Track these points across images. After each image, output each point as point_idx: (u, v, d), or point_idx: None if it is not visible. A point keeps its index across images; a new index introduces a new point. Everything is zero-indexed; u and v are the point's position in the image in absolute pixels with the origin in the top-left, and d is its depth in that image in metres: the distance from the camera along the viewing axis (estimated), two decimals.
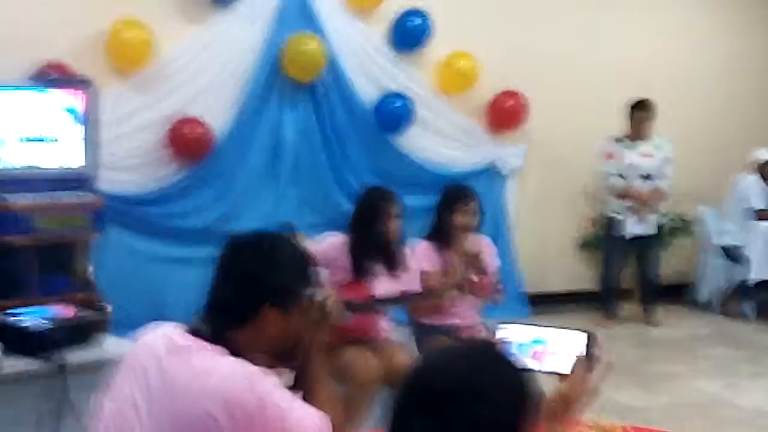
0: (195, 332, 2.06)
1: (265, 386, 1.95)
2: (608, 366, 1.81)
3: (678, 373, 6.17)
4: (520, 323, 1.93)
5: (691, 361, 6.53)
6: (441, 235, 4.72)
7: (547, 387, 1.77)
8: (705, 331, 7.46)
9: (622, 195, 7.28)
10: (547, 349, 1.85)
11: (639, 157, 7.28)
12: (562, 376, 1.78)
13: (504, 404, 1.43)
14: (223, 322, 2.06)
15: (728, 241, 7.94)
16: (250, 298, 2.06)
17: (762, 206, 7.74)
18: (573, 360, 1.80)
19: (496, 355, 1.55)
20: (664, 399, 5.60)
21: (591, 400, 1.78)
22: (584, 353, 1.81)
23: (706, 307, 8.06)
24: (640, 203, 7.26)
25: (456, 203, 4.72)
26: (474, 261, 4.61)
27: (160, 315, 6.25)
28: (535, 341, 1.87)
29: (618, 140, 7.31)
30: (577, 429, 2.00)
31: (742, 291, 7.82)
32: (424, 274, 4.58)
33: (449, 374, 1.44)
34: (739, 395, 5.71)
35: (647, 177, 7.29)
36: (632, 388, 5.74)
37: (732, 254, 7.91)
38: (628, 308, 7.79)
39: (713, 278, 8.08)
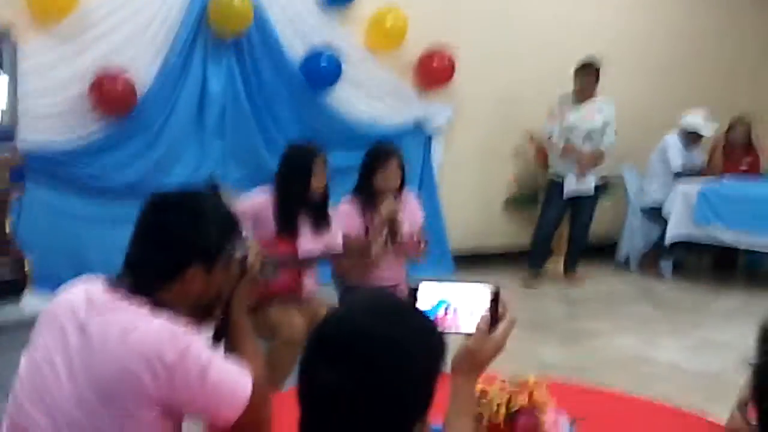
0: (116, 288, 2.04)
1: (185, 340, 1.95)
2: (513, 321, 1.82)
3: (599, 330, 6.31)
4: (430, 280, 1.92)
5: (611, 318, 6.68)
6: (364, 194, 4.72)
7: (454, 344, 1.78)
8: (625, 289, 7.64)
9: (564, 154, 7.36)
10: (454, 306, 1.85)
11: (581, 117, 7.36)
12: (467, 334, 1.79)
13: (407, 353, 1.43)
14: (145, 279, 2.04)
15: (649, 201, 8.10)
16: (176, 258, 2.06)
17: (680, 167, 7.90)
18: (479, 316, 1.81)
19: (399, 305, 1.56)
20: (585, 355, 5.72)
21: (496, 356, 1.80)
22: (489, 308, 1.82)
23: (627, 266, 8.24)
24: (581, 161, 7.36)
25: (377, 164, 4.71)
26: (391, 223, 4.62)
27: (83, 272, 6.18)
28: (441, 302, 1.87)
29: (563, 100, 7.38)
30: (491, 383, 2.02)
31: (661, 250, 8.00)
32: (346, 236, 4.57)
33: (351, 323, 1.46)
34: (656, 351, 5.86)
35: (588, 137, 7.38)
36: (555, 345, 5.86)
37: (652, 214, 8.08)
38: (553, 267, 7.91)
39: (634, 237, 8.25)
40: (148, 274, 2.05)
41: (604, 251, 8.41)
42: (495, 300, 1.83)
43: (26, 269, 4.65)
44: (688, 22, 8.86)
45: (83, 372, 1.94)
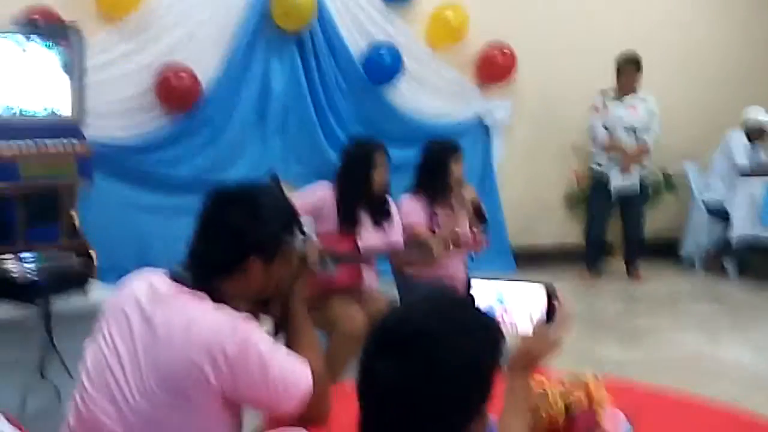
0: (178, 280, 2.08)
1: (247, 332, 1.99)
2: (568, 318, 1.82)
3: (659, 328, 6.24)
4: (483, 278, 1.93)
5: (672, 316, 6.60)
6: (433, 189, 4.72)
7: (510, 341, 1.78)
8: (687, 287, 7.53)
9: (608, 148, 7.30)
10: (508, 304, 1.86)
11: (624, 110, 7.29)
12: (523, 331, 1.80)
13: (465, 349, 1.45)
14: (207, 272, 2.09)
15: (713, 198, 7.98)
16: (236, 250, 2.10)
17: (746, 164, 7.77)
18: (534, 314, 1.82)
19: (458, 301, 1.58)
20: (644, 353, 5.66)
21: (554, 353, 1.81)
22: (544, 306, 1.83)
23: (690, 264, 8.12)
24: (625, 156, 7.28)
25: (452, 156, 4.73)
26: (477, 210, 4.65)
27: (146, 263, 6.27)
28: (498, 298, 1.88)
29: (604, 93, 7.32)
30: (549, 378, 2.02)
31: (725, 249, 7.88)
32: (411, 228, 4.59)
33: (410, 319, 1.48)
34: (719, 349, 5.78)
35: (632, 130, 7.30)
36: (613, 343, 5.80)
37: (716, 212, 7.96)
38: (613, 264, 7.84)
39: (698, 235, 8.13)
40: (209, 267, 2.09)
41: (668, 249, 8.29)
42: (550, 298, 1.83)
43: (94, 259, 4.73)
44: (751, 16, 8.69)
45: (148, 362, 1.98)
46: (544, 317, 1.82)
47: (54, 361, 3.24)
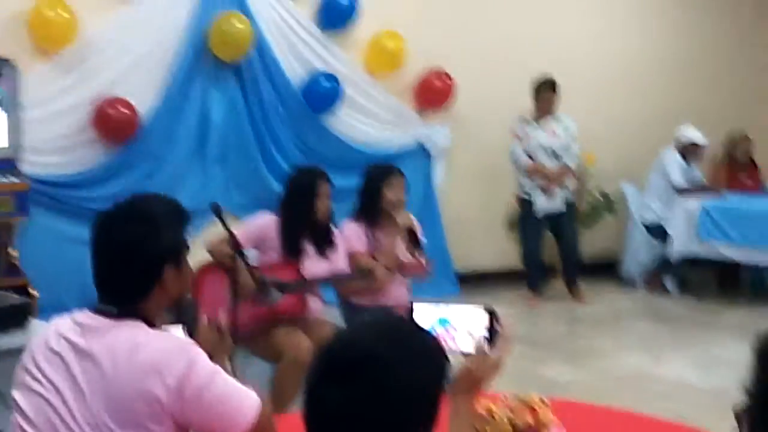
0: (104, 312, 2.06)
1: (195, 355, 2.00)
2: (509, 339, 1.84)
3: (603, 348, 6.30)
4: (425, 302, 1.95)
5: (615, 336, 6.68)
6: (370, 214, 4.73)
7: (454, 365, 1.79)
8: (630, 306, 7.63)
9: (530, 172, 7.37)
10: (450, 329, 1.88)
11: (543, 134, 7.36)
12: (465, 353, 1.81)
13: (412, 373, 1.44)
14: (127, 296, 2.07)
15: (650, 217, 8.11)
16: (150, 266, 2.08)
17: (681, 183, 7.91)
18: (475, 337, 1.84)
19: (404, 326, 1.58)
20: (589, 373, 5.71)
21: (495, 375, 1.82)
22: (487, 329, 1.85)
23: (631, 283, 8.22)
24: (548, 181, 7.35)
25: (385, 180, 4.74)
26: (412, 235, 4.65)
27: (87, 299, 6.20)
28: (440, 321, 1.90)
29: (524, 120, 7.40)
30: (494, 401, 2.03)
31: (665, 267, 7.99)
32: (354, 255, 4.60)
33: (356, 344, 1.47)
34: (661, 367, 5.85)
35: (553, 153, 7.38)
36: (558, 364, 5.85)
37: (654, 231, 8.08)
38: (555, 285, 7.91)
39: (638, 254, 8.24)
40: (128, 291, 2.07)
41: (608, 269, 8.39)
42: (491, 320, 1.85)
43: (34, 295, 4.68)
44: (680, 38, 8.88)
45: (96, 396, 1.95)
46: (486, 340, 1.83)
47: None
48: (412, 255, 4.63)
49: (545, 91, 7.32)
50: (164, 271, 2.09)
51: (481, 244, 7.97)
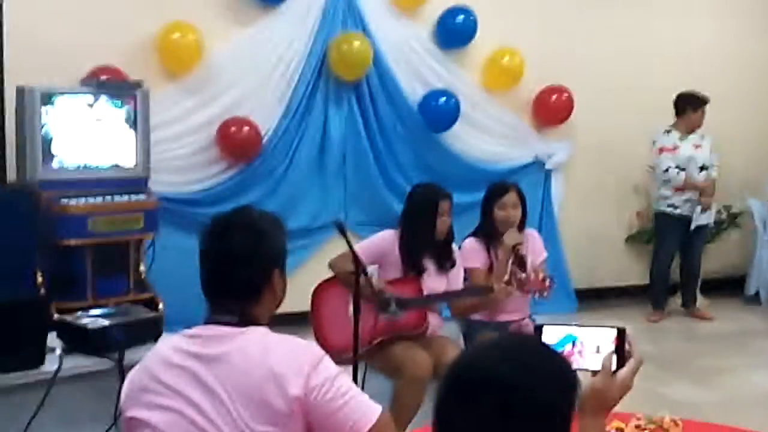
0: (222, 322, 2.12)
1: (324, 359, 2.06)
2: (639, 360, 1.82)
3: (730, 367, 6.13)
4: (555, 324, 1.94)
5: (742, 354, 6.48)
6: (486, 231, 4.74)
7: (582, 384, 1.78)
8: (757, 324, 7.39)
9: (682, 187, 7.24)
10: (578, 347, 1.86)
11: (693, 148, 7.27)
12: (593, 372, 1.79)
13: (538, 392, 1.43)
14: (244, 299, 2.15)
15: None
16: (261, 271, 2.16)
17: None
18: (604, 356, 1.82)
19: (531, 345, 1.57)
20: (716, 393, 5.56)
21: (623, 395, 1.80)
22: (615, 348, 1.83)
23: (757, 300, 7.96)
24: (704, 194, 7.25)
25: (497, 198, 4.74)
26: (516, 255, 4.62)
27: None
28: (566, 339, 1.88)
29: (670, 133, 7.29)
30: (625, 422, 2.01)
31: None
32: (473, 271, 4.60)
33: (481, 365, 1.47)
34: None
35: (702, 168, 7.27)
36: (683, 384, 5.71)
37: None
38: (675, 302, 7.75)
39: (764, 271, 7.98)
40: (242, 295, 2.15)
41: (733, 285, 8.15)
42: (621, 339, 1.83)
43: (161, 309, 4.82)
44: None
45: (234, 396, 2.00)
46: (616, 360, 1.81)
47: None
48: (516, 274, 4.57)
49: (697, 106, 7.25)
50: (273, 274, 2.18)
51: (601, 260, 7.86)
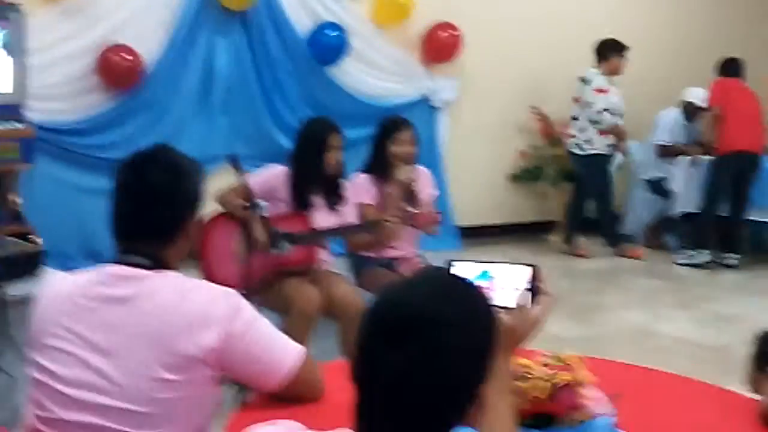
0: (133, 264, 2.02)
1: (241, 304, 2.01)
2: (553, 298, 1.83)
3: (606, 304, 6.32)
4: (468, 260, 1.92)
5: (617, 292, 6.69)
6: (378, 167, 4.70)
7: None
8: (630, 262, 7.64)
9: (609, 132, 7.42)
10: (493, 284, 1.86)
11: (620, 96, 7.50)
12: (507, 309, 1.79)
13: (468, 330, 1.42)
14: (158, 239, 2.05)
15: (653, 174, 8.10)
16: (179, 212, 2.08)
17: (674, 140, 7.92)
18: (518, 293, 1.82)
19: (455, 283, 1.55)
20: (594, 329, 5.73)
21: (535, 333, 1.81)
22: (529, 286, 1.83)
23: (633, 239, 8.22)
24: (623, 139, 7.53)
25: (391, 133, 4.70)
26: (407, 191, 4.61)
27: (89, 247, 6.17)
28: (480, 276, 1.88)
29: (598, 75, 7.43)
30: (534, 359, 2.02)
31: (667, 223, 8.00)
32: (363, 207, 4.57)
33: (409, 304, 1.43)
34: (664, 325, 5.87)
35: (620, 115, 7.52)
36: (564, 320, 5.86)
37: (657, 188, 8.08)
38: (554, 240, 7.94)
39: (640, 211, 8.25)
40: (156, 235, 2.05)
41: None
42: (534, 277, 1.83)
43: (38, 244, 4.64)
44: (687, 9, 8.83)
45: (141, 341, 1.92)
46: (528, 295, 1.81)
47: (8, 350, 3.15)
48: (406, 209, 4.57)
49: (622, 52, 7.48)
50: (189, 217, 2.10)
51: (484, 198, 7.96)
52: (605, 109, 7.37)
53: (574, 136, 7.55)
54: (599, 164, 7.58)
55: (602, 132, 7.43)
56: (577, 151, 7.54)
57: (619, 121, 7.46)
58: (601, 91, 7.40)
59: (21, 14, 5.02)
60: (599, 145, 7.48)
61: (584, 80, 7.43)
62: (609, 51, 7.46)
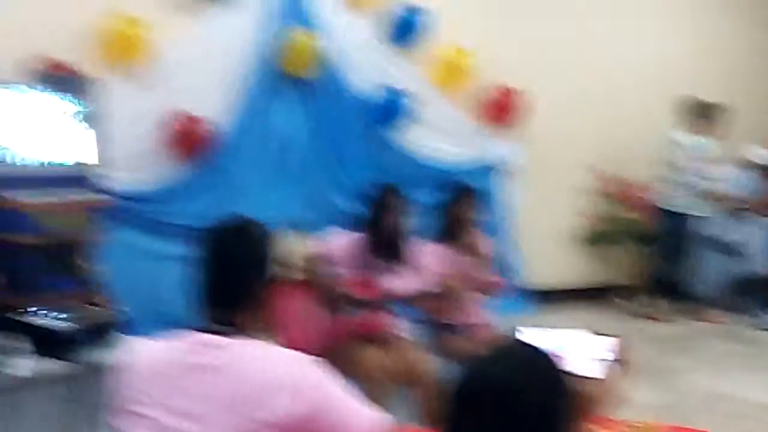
0: (214, 331, 2.07)
1: (320, 371, 2.04)
2: (630, 367, 1.81)
3: (682, 369, 6.21)
4: (539, 327, 1.92)
5: (694, 356, 6.59)
6: (448, 234, 4.73)
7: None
8: (708, 326, 7.51)
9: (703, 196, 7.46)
10: (570, 352, 1.84)
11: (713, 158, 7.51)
12: (587, 378, 1.77)
13: (546, 403, 1.45)
14: (238, 311, 2.11)
15: (724, 234, 7.97)
16: (259, 281, 2.15)
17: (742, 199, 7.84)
18: (598, 363, 1.80)
19: (536, 355, 1.56)
20: (670, 395, 5.61)
21: (612, 401, 1.79)
22: (611, 356, 1.81)
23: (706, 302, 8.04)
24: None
25: (454, 200, 4.76)
26: (474, 256, 4.64)
27: (161, 314, 6.22)
28: (552, 343, 1.87)
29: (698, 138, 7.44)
30: (612, 428, 2.00)
31: (743, 285, 7.83)
32: (440, 276, 4.57)
33: (492, 376, 1.47)
34: (742, 390, 5.72)
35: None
36: (639, 385, 5.73)
37: (728, 248, 7.93)
38: (627, 303, 7.83)
39: (714, 273, 8.07)
40: (237, 305, 2.11)
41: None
42: (613, 347, 1.82)
43: (119, 311, 4.70)
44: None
45: (224, 406, 1.95)
46: (607, 367, 1.80)
47: (86, 417, 3.19)
48: (475, 275, 4.59)
49: (716, 113, 7.48)
50: (266, 286, 2.16)
51: (554, 262, 7.90)
52: (698, 173, 7.31)
53: (660, 194, 7.51)
54: (685, 224, 7.48)
55: (691, 193, 7.37)
56: (664, 207, 7.48)
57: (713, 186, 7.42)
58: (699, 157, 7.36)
59: (99, 86, 5.16)
60: (688, 205, 7.39)
61: (674, 142, 7.37)
62: (713, 113, 7.41)
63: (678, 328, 7.40)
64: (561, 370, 1.54)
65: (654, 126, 7.65)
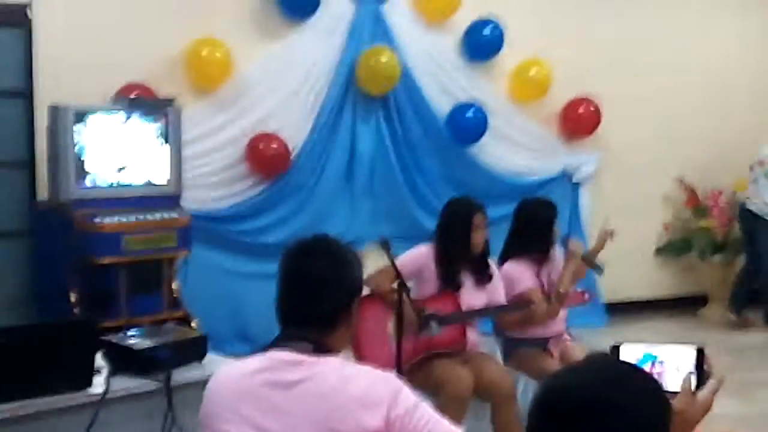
0: (297, 349, 2.09)
1: (402, 387, 2.05)
2: (720, 380, 1.78)
3: (764, 380, 6.07)
4: (631, 342, 1.90)
5: None
6: (529, 248, 4.70)
7: None
8: None
9: None
10: (657, 366, 1.83)
11: None
12: (673, 393, 1.75)
13: (639, 416, 1.42)
14: (320, 329, 2.12)
15: None
16: (342, 300, 2.15)
17: None
18: (683, 376, 1.78)
19: (624, 368, 1.55)
20: (756, 407, 5.50)
21: (703, 417, 1.76)
22: (694, 368, 1.79)
23: None
24: None
25: (537, 214, 4.75)
26: (590, 261, 4.65)
27: (242, 331, 6.31)
28: (645, 358, 1.85)
29: None
30: None
31: None
32: (521, 291, 4.56)
33: (582, 390, 1.44)
34: None
35: None
36: (724, 397, 5.63)
37: None
38: (708, 313, 7.70)
39: None
40: (321, 322, 2.13)
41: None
42: (700, 359, 1.80)
43: (197, 330, 4.79)
44: None
45: (307, 424, 1.99)
46: (695, 378, 1.78)
47: None
48: (558, 290, 4.55)
49: None
50: (350, 305, 2.16)
51: (630, 273, 7.80)
52: None
53: (744, 199, 7.37)
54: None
55: None
56: (756, 211, 7.30)
57: None
58: None
59: (176, 108, 5.27)
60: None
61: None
62: None
63: (761, 337, 7.22)
64: (658, 386, 1.53)
65: (730, 127, 7.52)
